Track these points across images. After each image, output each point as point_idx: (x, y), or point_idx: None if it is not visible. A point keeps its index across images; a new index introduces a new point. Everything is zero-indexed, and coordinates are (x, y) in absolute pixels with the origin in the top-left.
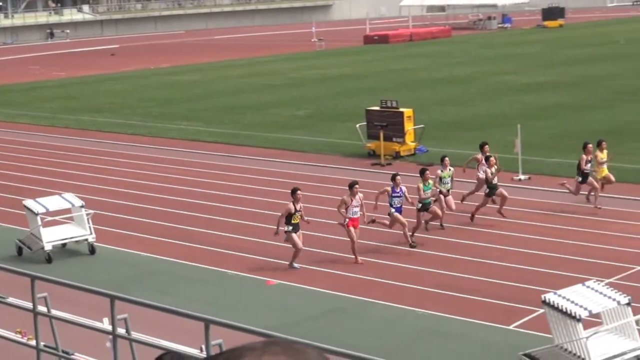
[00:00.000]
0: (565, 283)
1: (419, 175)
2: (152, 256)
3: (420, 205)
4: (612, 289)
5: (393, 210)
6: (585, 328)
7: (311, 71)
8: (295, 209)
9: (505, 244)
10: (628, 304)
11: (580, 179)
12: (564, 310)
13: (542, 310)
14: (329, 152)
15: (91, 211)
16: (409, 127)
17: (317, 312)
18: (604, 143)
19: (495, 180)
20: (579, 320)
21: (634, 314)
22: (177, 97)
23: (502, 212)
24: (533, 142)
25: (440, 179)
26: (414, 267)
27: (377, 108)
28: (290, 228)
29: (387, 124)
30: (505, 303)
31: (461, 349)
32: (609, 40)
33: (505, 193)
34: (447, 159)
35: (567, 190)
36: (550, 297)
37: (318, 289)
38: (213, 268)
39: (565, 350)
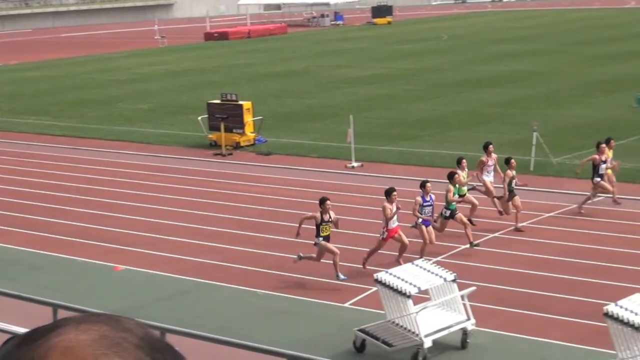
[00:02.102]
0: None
1: (447, 179)
2: (3, 245)
3: (448, 212)
4: (439, 266)
5: (420, 221)
6: (415, 304)
7: (155, 67)
8: (323, 219)
9: (345, 228)
10: (454, 281)
11: (598, 179)
12: (395, 287)
13: (374, 289)
14: (172, 143)
15: None
16: (248, 118)
17: (162, 295)
18: (612, 142)
19: (513, 184)
20: (408, 296)
21: (459, 290)
22: (26, 92)
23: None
24: (365, 131)
25: None
26: (253, 250)
27: (218, 101)
28: (321, 239)
29: (227, 116)
30: (341, 282)
31: (300, 326)
32: (433, 36)
33: (519, 203)
34: (464, 160)
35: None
36: (382, 275)
37: (164, 273)
38: (63, 256)
39: (397, 324)
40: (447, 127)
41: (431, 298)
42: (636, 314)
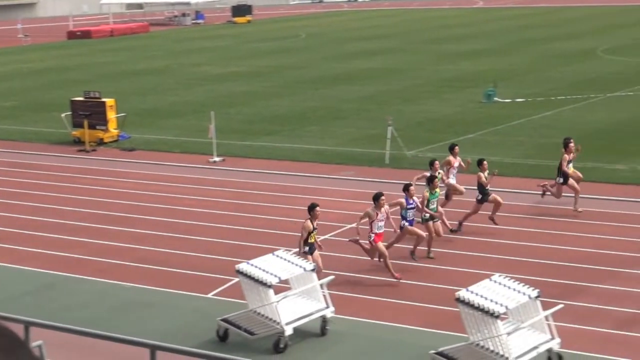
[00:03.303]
0: (257, 253)
1: (426, 184)
2: None
3: (427, 215)
4: (298, 257)
5: (406, 223)
6: (275, 293)
7: (18, 65)
8: (313, 226)
9: (200, 220)
10: (313, 270)
11: (561, 179)
12: (256, 277)
13: (236, 279)
14: (37, 140)
15: None
16: (111, 115)
17: (29, 289)
18: (572, 140)
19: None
20: (269, 286)
21: (319, 279)
22: None
23: (494, 219)
24: (226, 127)
25: None
26: (119, 244)
27: (81, 98)
28: (307, 249)
29: (90, 113)
30: (204, 274)
31: (164, 316)
32: (291, 35)
33: (499, 199)
34: (437, 162)
35: (549, 193)
36: (243, 267)
37: (31, 268)
38: None
39: (259, 314)
40: (306, 122)
41: (291, 287)
42: (486, 298)
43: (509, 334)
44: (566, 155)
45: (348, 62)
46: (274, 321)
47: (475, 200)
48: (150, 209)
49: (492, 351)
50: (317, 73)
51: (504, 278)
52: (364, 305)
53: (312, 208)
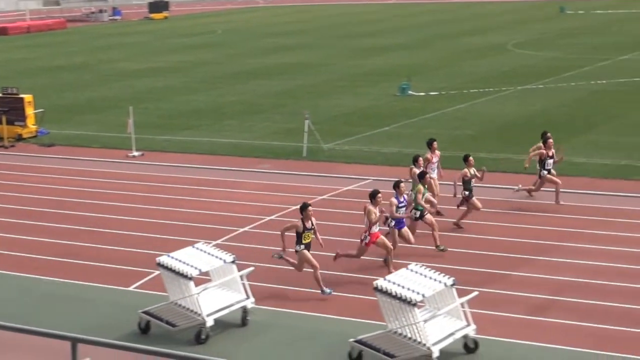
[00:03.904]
0: (178, 246)
1: (418, 180)
2: None
3: (418, 213)
4: (218, 249)
5: (393, 224)
6: (196, 285)
7: None
8: (305, 226)
9: (120, 214)
10: (233, 262)
11: (546, 172)
12: (176, 270)
13: (157, 272)
14: None
15: None
16: (29, 111)
17: None
18: (550, 137)
19: (473, 182)
20: (190, 278)
21: (239, 270)
22: None
23: (458, 224)
24: (144, 122)
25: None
26: (39, 239)
27: None
28: (302, 247)
29: (8, 109)
30: (125, 267)
31: (86, 310)
32: (208, 30)
33: (479, 203)
34: (421, 158)
35: (527, 193)
36: (164, 259)
37: None
38: None
39: (180, 306)
40: (223, 116)
41: (212, 279)
42: (403, 287)
43: (425, 321)
44: (543, 151)
45: (264, 57)
46: (195, 313)
47: (462, 197)
48: (70, 204)
49: (410, 338)
50: (234, 68)
51: (421, 267)
52: (286, 296)
53: (304, 208)
